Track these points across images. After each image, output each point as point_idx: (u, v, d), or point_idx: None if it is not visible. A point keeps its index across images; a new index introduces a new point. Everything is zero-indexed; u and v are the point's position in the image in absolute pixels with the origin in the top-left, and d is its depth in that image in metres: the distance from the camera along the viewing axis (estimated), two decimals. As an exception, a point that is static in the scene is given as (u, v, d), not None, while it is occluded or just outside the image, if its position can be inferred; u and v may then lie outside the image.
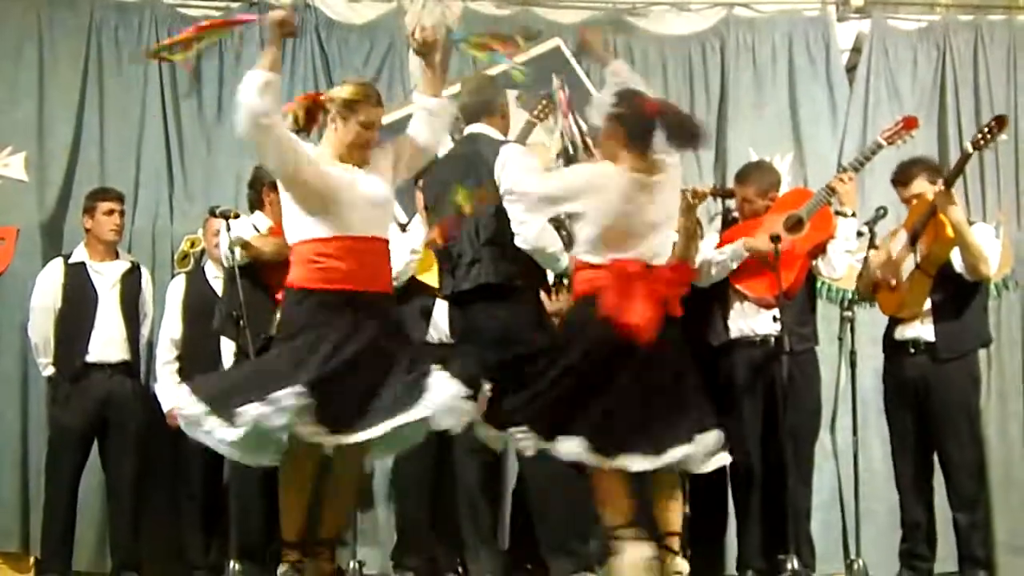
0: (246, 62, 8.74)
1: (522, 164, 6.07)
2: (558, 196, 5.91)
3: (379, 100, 5.98)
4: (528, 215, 6.15)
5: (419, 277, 7.21)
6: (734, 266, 7.16)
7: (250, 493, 7.01)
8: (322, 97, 5.96)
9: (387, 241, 5.93)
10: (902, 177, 7.32)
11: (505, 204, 6.22)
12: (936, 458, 7.25)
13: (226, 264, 7.09)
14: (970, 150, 7.02)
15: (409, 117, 6.30)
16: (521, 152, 6.25)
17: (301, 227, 5.80)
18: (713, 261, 7.16)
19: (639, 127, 5.81)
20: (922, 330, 7.14)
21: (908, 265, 7.17)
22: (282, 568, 5.84)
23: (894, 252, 7.23)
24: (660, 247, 5.97)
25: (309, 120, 5.90)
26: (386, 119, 6.47)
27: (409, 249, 7.05)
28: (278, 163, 5.74)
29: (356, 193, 5.77)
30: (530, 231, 6.20)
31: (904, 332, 7.20)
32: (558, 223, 6.34)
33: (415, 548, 7.40)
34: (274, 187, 7.24)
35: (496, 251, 6.33)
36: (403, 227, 7.45)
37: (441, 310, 7.14)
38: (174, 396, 7.78)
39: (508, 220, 6.21)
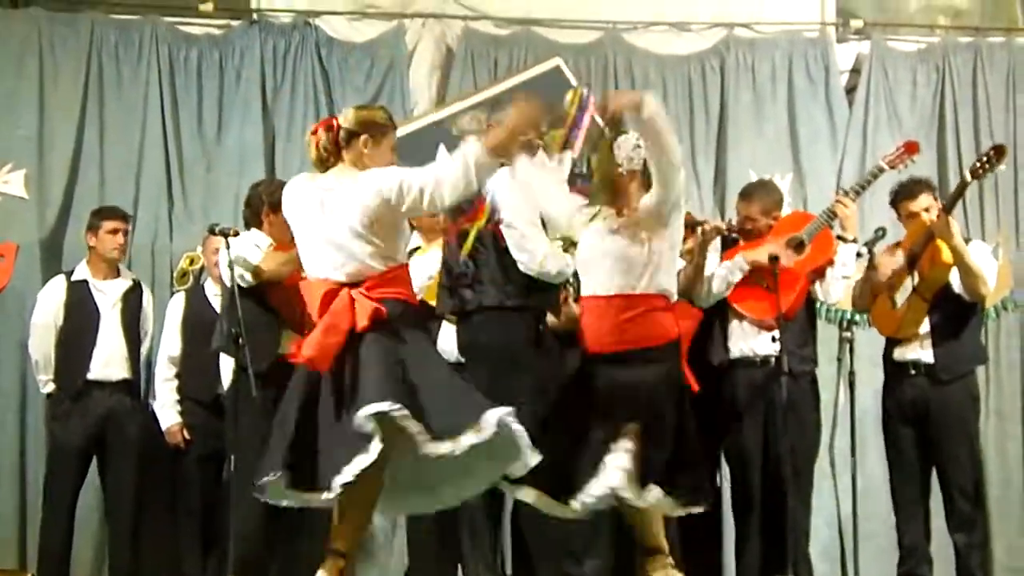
0: (246, 80, 8.82)
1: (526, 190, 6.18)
2: None
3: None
4: (530, 239, 6.27)
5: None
6: (734, 279, 7.13)
7: (251, 507, 7.00)
8: (338, 122, 5.86)
9: None
10: (904, 194, 7.30)
11: (504, 229, 6.29)
12: (935, 479, 7.25)
13: (228, 283, 7.08)
14: (968, 179, 7.01)
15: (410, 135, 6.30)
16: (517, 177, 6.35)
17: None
18: (713, 275, 7.15)
19: None
20: (921, 352, 7.13)
21: (905, 287, 7.17)
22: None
23: (889, 270, 7.23)
24: None
25: (337, 149, 5.87)
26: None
27: (427, 275, 7.02)
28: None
29: None
30: (534, 256, 6.29)
31: (904, 353, 7.19)
32: None
33: (428, 569, 7.37)
34: (274, 208, 7.25)
35: (496, 272, 6.37)
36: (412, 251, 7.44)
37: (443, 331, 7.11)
38: (173, 414, 7.82)
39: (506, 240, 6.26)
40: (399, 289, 5.66)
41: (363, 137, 5.76)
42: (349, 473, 5.28)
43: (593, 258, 6.02)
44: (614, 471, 5.70)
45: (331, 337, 5.50)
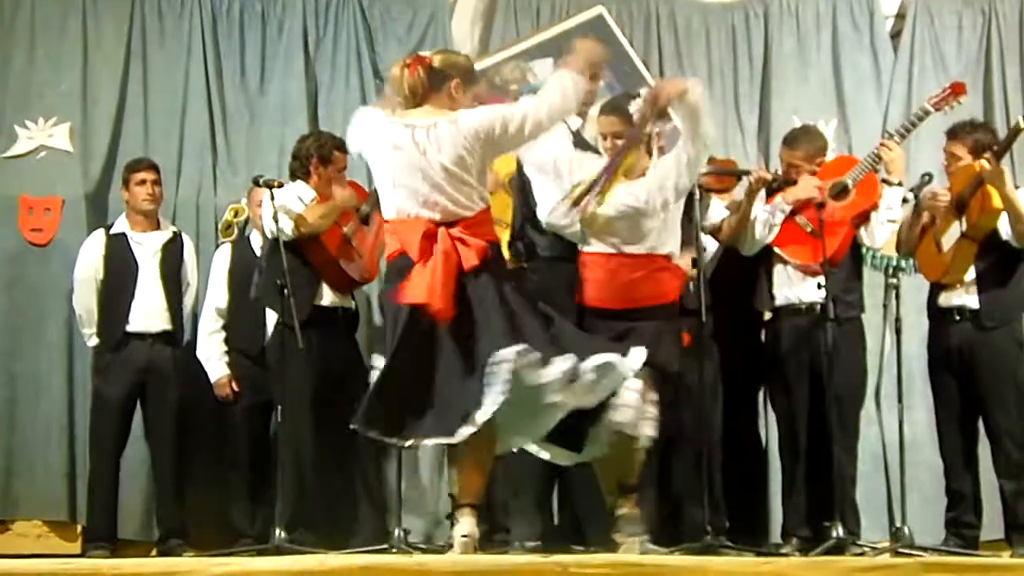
0: (288, 31, 8.80)
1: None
2: None
3: None
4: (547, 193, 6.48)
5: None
6: (776, 222, 7.11)
7: (300, 461, 7.03)
8: (430, 60, 5.83)
9: None
10: (953, 133, 7.26)
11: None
12: (982, 425, 7.23)
13: (269, 235, 7.10)
14: (1022, 125, 6.97)
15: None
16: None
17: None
18: (756, 219, 7.12)
19: None
20: (967, 298, 7.11)
21: (952, 232, 7.14)
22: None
23: (937, 217, 7.19)
24: None
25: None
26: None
27: None
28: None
29: None
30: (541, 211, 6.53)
31: (949, 299, 7.17)
32: None
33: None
34: (323, 160, 7.29)
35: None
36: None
37: None
38: (221, 366, 7.85)
39: None
40: (489, 231, 5.74)
41: (455, 81, 5.78)
42: (489, 409, 5.33)
43: (604, 216, 6.23)
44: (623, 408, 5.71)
45: (450, 284, 5.54)
